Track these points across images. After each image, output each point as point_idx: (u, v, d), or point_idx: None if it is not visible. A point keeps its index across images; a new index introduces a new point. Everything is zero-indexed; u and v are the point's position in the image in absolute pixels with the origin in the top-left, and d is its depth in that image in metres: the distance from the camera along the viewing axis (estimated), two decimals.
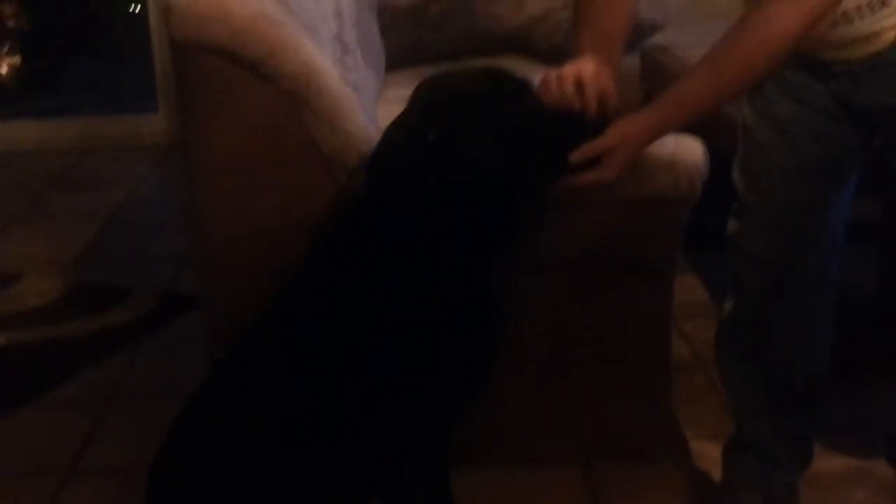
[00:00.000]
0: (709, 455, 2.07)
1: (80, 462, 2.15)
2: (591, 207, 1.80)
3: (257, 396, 1.56)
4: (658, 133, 1.64)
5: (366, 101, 2.34)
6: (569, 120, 1.58)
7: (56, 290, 2.89)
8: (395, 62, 3.24)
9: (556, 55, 3.36)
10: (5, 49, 3.01)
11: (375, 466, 1.59)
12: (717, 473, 1.99)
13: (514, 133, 1.53)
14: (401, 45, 3.40)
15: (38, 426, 2.29)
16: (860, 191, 1.86)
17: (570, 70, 1.61)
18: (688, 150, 1.82)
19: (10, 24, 3.22)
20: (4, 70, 2.95)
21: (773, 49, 1.53)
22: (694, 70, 1.62)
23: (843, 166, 1.76)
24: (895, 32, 1.56)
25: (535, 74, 1.70)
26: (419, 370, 1.56)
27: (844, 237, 1.85)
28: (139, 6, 4.53)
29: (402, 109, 1.60)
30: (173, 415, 1.64)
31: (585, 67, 1.62)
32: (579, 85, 1.60)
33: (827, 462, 2.04)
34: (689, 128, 1.72)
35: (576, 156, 1.56)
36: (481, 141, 1.51)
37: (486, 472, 1.95)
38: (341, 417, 1.53)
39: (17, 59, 3.16)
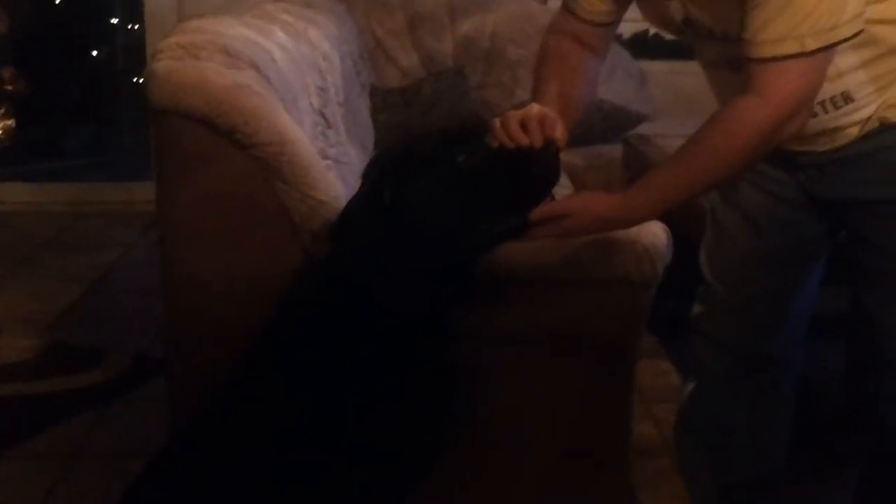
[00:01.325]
0: None
1: None
2: (553, 286, 1.84)
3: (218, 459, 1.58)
4: (623, 216, 1.62)
5: (346, 174, 2.39)
6: (513, 157, 1.59)
7: (32, 349, 2.91)
8: (384, 141, 3.31)
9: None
10: (1, 111, 3.11)
11: None
12: None
13: (463, 179, 1.56)
14: (390, 125, 3.48)
15: (2, 479, 2.30)
16: (829, 282, 1.89)
17: (514, 113, 1.62)
18: (650, 233, 1.86)
19: (8, 88, 3.31)
20: None
21: (741, 143, 1.50)
22: (665, 162, 1.62)
23: (808, 255, 1.78)
24: (859, 128, 1.59)
25: None
26: (373, 433, 1.58)
27: (810, 328, 1.87)
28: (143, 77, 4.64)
29: None
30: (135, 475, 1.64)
31: (530, 109, 1.62)
32: (524, 124, 1.60)
33: None
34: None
35: (534, 215, 1.57)
36: (433, 193, 1.55)
37: None
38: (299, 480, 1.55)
39: (11, 122, 3.25)
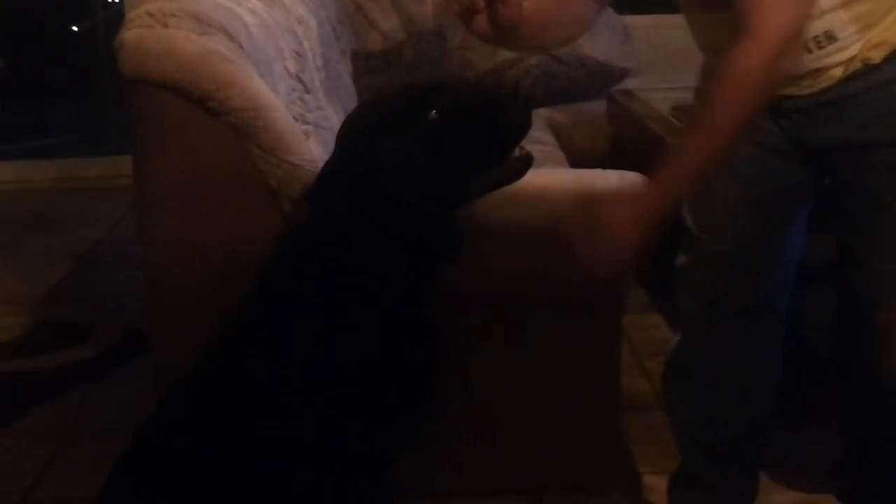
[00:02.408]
0: (661, 490, 2.07)
1: (32, 494, 2.16)
2: (534, 241, 1.83)
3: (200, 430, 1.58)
4: (659, 201, 1.57)
5: (327, 138, 2.38)
6: (483, 107, 1.59)
7: (21, 327, 2.91)
8: None
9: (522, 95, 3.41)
10: None
11: None
12: None
13: (434, 135, 1.55)
14: (372, 88, 3.46)
15: None
16: (817, 230, 1.88)
17: None
18: (631, 185, 1.85)
19: None
20: None
21: (747, 88, 1.50)
22: (685, 132, 1.62)
23: (793, 203, 1.77)
24: (842, 69, 1.58)
25: None
26: (363, 399, 1.57)
27: (798, 276, 1.86)
28: None
29: None
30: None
31: None
32: None
33: (777, 496, 2.07)
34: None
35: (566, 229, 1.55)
36: (406, 152, 1.53)
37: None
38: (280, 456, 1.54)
39: None
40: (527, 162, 1.63)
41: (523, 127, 1.60)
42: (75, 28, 5.18)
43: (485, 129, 1.58)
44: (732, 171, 1.72)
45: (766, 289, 1.81)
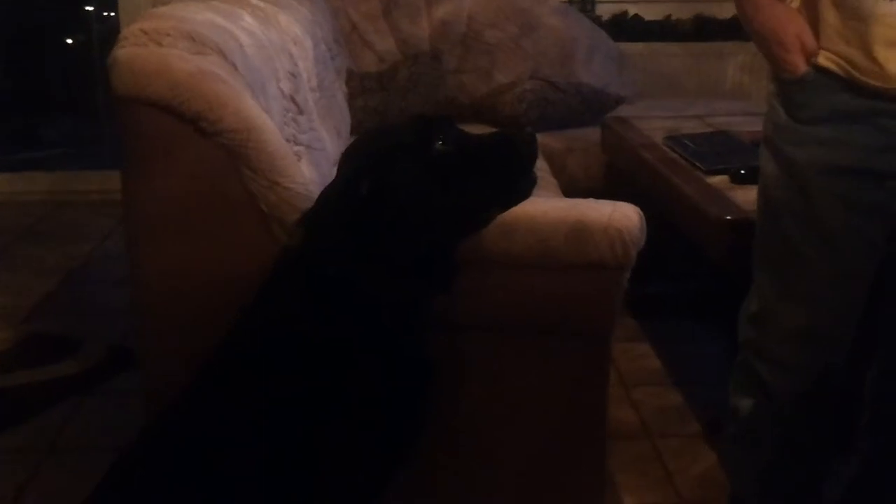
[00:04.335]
0: None
1: None
2: (526, 270, 1.82)
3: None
4: None
5: (319, 160, 2.38)
6: (494, 144, 1.60)
7: (7, 340, 2.89)
8: (361, 126, 3.29)
9: (517, 122, 3.42)
10: None
11: None
12: None
13: (441, 166, 1.55)
14: (367, 109, 3.47)
15: None
16: None
17: None
18: (623, 215, 1.84)
19: None
20: None
21: None
22: None
23: (875, 269, 1.68)
24: None
25: None
26: (350, 427, 1.56)
27: None
28: None
29: None
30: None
31: None
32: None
33: None
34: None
35: None
36: (411, 181, 1.53)
37: None
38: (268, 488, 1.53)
39: None
40: (532, 182, 1.64)
41: (530, 161, 1.61)
42: (69, 41, 5.17)
43: (493, 161, 1.58)
44: (829, 244, 1.65)
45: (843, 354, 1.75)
